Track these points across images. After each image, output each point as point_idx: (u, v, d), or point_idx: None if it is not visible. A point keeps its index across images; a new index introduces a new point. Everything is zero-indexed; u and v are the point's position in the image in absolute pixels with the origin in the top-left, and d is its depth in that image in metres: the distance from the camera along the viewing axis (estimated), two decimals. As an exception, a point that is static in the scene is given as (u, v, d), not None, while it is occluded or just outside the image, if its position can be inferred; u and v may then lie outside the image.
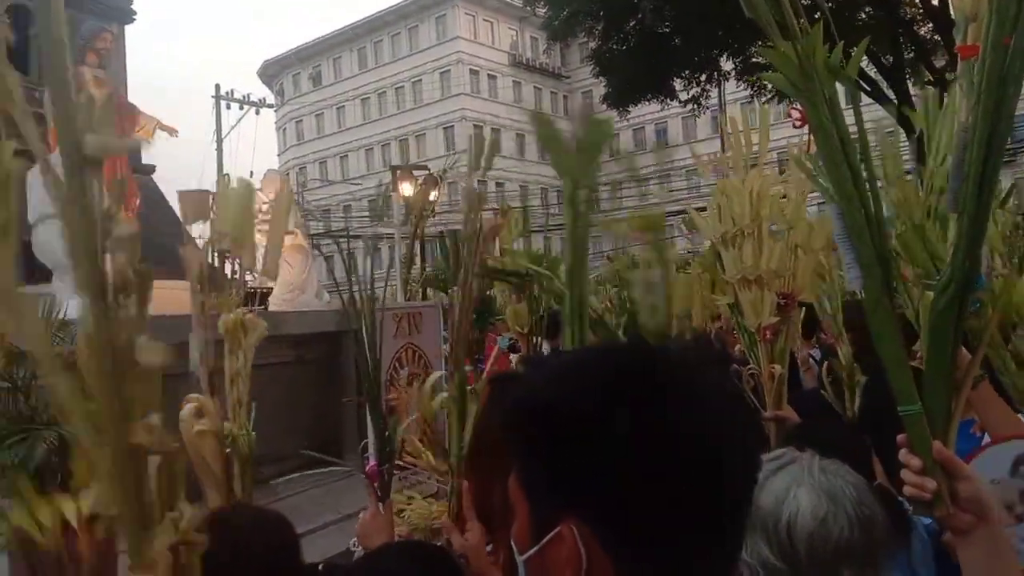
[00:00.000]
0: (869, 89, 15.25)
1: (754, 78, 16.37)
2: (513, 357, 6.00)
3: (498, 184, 48.59)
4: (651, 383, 0.79)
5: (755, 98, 17.29)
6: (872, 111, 17.05)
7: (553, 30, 18.51)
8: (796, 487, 1.33)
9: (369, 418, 2.34)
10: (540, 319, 3.29)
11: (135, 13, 14.09)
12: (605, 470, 0.76)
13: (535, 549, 0.82)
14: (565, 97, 56.76)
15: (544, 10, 18.78)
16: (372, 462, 2.26)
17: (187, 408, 2.07)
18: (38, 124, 0.72)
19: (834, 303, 3.06)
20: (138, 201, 9.80)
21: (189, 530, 0.56)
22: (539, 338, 3.41)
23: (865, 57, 13.94)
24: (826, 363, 3.15)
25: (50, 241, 8.62)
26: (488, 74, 52.64)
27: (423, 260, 18.30)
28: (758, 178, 2.80)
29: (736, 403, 0.88)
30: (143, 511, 0.53)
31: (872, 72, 15.60)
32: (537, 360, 2.57)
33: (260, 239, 2.39)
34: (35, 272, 7.56)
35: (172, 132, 9.89)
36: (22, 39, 12.67)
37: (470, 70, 51.43)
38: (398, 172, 19.69)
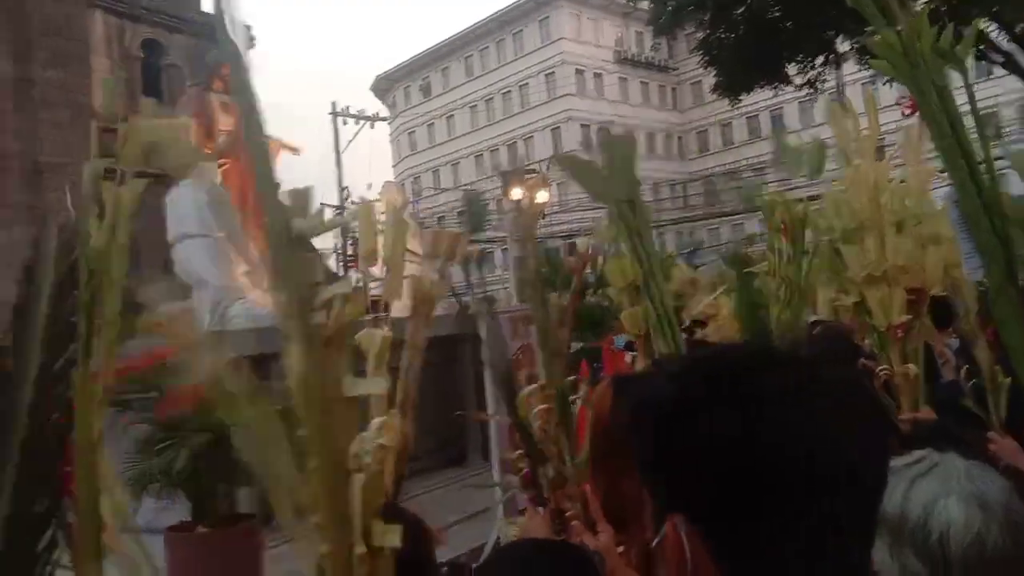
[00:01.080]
0: (1002, 60, 14.26)
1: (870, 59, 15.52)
2: (628, 356, 5.94)
3: (607, 182, 48.26)
4: (761, 385, 0.78)
5: (876, 79, 16.43)
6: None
7: (659, 26, 18.18)
8: (945, 496, 1.26)
9: (516, 430, 2.39)
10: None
11: (255, 39, 14.87)
12: (711, 470, 0.76)
13: (654, 544, 0.83)
14: (673, 90, 55.84)
15: (648, 4, 18.44)
16: (526, 470, 2.32)
17: (375, 422, 2.13)
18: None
19: (969, 295, 2.82)
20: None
21: (384, 540, 0.61)
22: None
23: (995, 26, 13.04)
24: (965, 368, 2.90)
25: (190, 259, 9.20)
26: (594, 73, 52.42)
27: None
28: (874, 167, 2.63)
29: (856, 404, 0.84)
30: (345, 524, 0.60)
31: (1005, 41, 14.55)
32: (659, 361, 2.54)
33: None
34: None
35: (295, 151, 10.36)
36: (155, 68, 13.54)
37: (575, 70, 51.35)
38: (508, 176, 19.89)
